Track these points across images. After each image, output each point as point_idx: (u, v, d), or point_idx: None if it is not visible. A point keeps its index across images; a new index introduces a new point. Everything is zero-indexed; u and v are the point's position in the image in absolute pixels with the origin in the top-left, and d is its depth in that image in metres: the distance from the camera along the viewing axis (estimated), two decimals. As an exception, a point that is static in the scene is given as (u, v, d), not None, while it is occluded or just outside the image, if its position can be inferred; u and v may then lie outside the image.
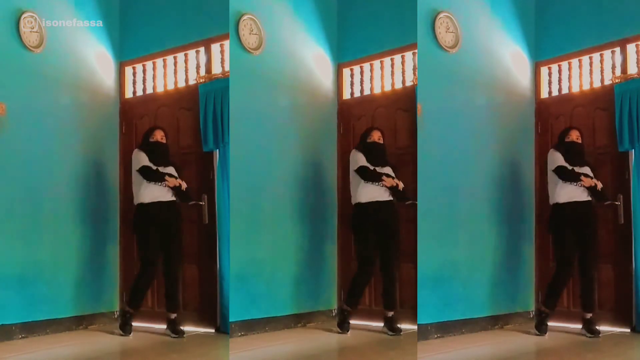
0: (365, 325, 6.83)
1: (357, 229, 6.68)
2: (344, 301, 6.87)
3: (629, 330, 6.77)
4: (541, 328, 6.64)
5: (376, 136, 6.73)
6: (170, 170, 6.56)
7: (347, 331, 6.68)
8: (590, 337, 6.50)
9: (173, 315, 6.57)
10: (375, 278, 6.80)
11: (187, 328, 6.73)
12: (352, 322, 6.72)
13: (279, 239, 6.91)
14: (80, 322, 6.88)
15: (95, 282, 6.95)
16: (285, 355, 6.18)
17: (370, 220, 6.61)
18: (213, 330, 6.73)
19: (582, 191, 6.53)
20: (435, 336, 6.51)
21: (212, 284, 6.76)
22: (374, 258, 6.65)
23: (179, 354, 6.09)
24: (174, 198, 6.53)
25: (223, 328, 6.64)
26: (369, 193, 6.62)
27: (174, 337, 6.46)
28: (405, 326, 6.74)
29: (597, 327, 6.57)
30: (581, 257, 6.58)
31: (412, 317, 6.51)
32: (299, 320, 7.03)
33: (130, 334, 6.53)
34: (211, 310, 6.76)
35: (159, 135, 6.62)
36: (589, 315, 6.59)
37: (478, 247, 6.92)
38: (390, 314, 6.66)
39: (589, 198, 6.56)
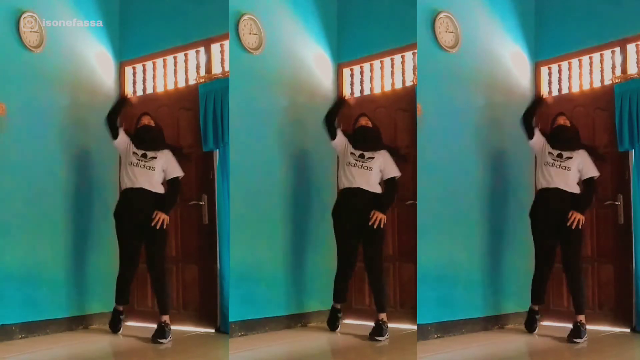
0: (366, 325, 6.83)
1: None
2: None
3: (629, 330, 6.77)
4: (531, 327, 6.59)
5: (363, 121, 6.64)
6: (164, 154, 6.44)
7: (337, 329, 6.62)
8: (572, 342, 6.31)
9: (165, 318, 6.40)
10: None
11: (187, 328, 6.73)
12: (352, 322, 6.71)
13: (279, 239, 6.91)
14: (80, 322, 6.89)
15: (96, 281, 6.95)
16: (285, 355, 6.19)
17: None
18: (213, 330, 6.74)
19: (571, 179, 6.44)
20: (435, 336, 6.51)
21: (212, 284, 6.77)
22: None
23: (178, 354, 6.10)
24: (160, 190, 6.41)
25: (223, 328, 6.64)
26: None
27: (158, 342, 6.28)
28: (405, 326, 6.74)
29: (584, 330, 6.34)
30: (563, 251, 6.48)
31: (412, 317, 6.52)
32: (299, 320, 7.03)
33: (119, 332, 6.46)
34: (211, 310, 6.76)
35: (145, 120, 6.52)
36: (579, 318, 6.39)
37: (478, 247, 6.93)
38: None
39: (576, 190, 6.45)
